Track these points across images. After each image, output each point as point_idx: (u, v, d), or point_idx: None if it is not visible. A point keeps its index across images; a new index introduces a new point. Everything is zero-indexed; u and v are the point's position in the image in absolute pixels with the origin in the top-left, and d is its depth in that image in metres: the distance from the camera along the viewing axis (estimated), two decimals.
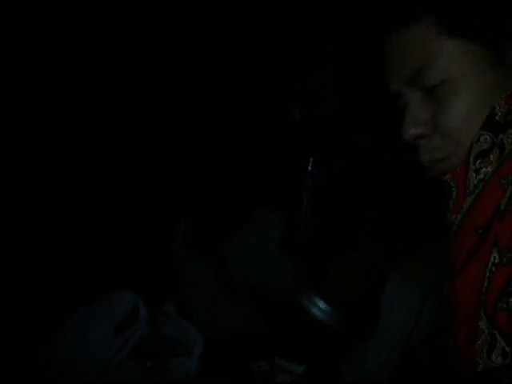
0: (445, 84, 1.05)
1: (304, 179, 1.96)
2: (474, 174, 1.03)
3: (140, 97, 2.36)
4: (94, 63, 2.29)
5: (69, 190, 2.27)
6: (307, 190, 1.96)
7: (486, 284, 0.98)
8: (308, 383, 2.00)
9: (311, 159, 1.94)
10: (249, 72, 2.14)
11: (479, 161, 1.03)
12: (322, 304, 1.76)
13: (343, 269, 1.79)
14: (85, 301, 2.00)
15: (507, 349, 0.96)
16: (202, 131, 2.32)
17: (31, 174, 2.20)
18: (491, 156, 1.02)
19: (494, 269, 0.97)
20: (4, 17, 2.05)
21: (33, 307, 2.03)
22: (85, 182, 2.31)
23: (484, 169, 1.02)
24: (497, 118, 1.02)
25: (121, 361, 1.93)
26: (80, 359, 1.92)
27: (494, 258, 0.97)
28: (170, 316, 2.16)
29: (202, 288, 2.14)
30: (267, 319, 2.15)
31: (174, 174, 2.42)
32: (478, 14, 1.04)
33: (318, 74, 1.84)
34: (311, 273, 1.89)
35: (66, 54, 2.23)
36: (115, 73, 2.32)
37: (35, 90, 2.18)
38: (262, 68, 2.07)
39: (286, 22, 1.92)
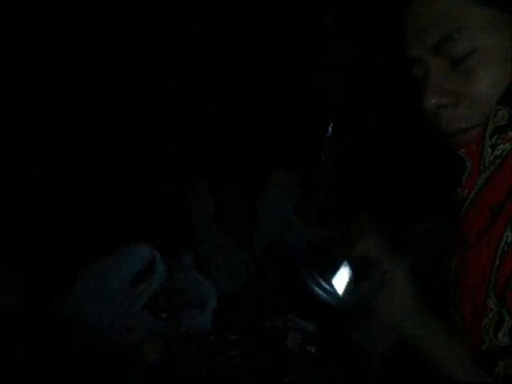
0: (474, 53, 1.04)
1: (322, 144, 1.95)
2: (490, 150, 1.01)
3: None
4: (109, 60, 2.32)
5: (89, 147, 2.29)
6: (324, 156, 1.96)
7: (497, 263, 0.98)
8: (319, 341, 2.03)
9: (330, 125, 1.94)
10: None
11: (496, 137, 1.01)
12: (326, 285, 1.77)
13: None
14: (102, 253, 2.03)
15: None
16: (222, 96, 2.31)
17: (56, 148, 2.23)
18: (509, 133, 1.00)
19: (506, 248, 0.97)
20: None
21: (50, 259, 2.07)
22: (105, 135, 2.32)
23: (502, 145, 1.00)
24: None
25: (136, 312, 1.96)
26: (94, 310, 1.96)
27: (507, 237, 0.97)
28: (186, 269, 2.19)
29: (218, 245, 2.17)
30: (279, 278, 2.17)
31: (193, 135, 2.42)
32: None
33: (338, 46, 1.83)
34: (320, 245, 1.90)
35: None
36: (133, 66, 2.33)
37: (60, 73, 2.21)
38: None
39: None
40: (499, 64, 1.02)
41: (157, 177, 2.41)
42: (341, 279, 1.79)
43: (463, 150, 1.06)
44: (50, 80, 2.25)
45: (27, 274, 1.80)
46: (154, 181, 2.40)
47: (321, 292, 1.76)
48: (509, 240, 0.97)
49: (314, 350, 2.00)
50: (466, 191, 1.06)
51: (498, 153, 1.01)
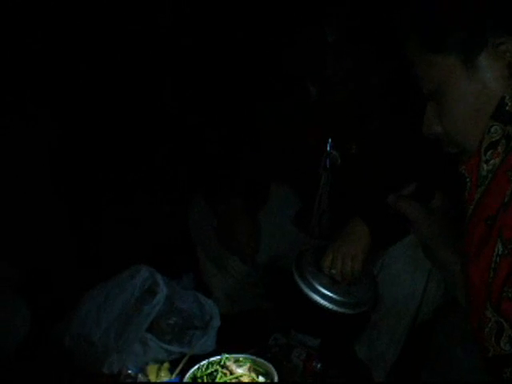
0: (437, 91, 1.12)
1: (322, 159, 1.97)
2: (485, 165, 1.05)
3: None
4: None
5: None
6: (324, 170, 1.98)
7: (491, 274, 1.00)
8: (323, 356, 2.03)
9: (329, 140, 1.96)
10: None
11: (490, 152, 1.05)
12: (321, 288, 1.79)
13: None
14: (103, 276, 2.04)
15: None
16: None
17: (63, 152, 2.25)
18: (499, 147, 1.04)
19: (498, 259, 0.99)
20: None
21: (55, 282, 2.07)
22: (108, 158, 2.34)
23: (493, 160, 1.04)
24: (507, 108, 1.04)
25: (140, 335, 1.96)
26: (97, 333, 1.96)
27: (498, 249, 0.99)
28: (187, 289, 2.19)
29: (218, 263, 2.17)
30: (282, 294, 2.17)
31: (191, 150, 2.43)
32: (451, 33, 1.09)
33: (338, 62, 1.85)
34: (314, 252, 1.91)
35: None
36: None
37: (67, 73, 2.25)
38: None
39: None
40: (462, 96, 1.09)
41: (155, 199, 2.42)
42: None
43: (463, 166, 1.10)
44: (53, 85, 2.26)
45: (30, 296, 1.80)
46: (152, 203, 2.41)
47: (315, 295, 1.78)
48: (500, 252, 0.99)
49: (319, 365, 2.00)
50: (469, 206, 1.08)
51: (489, 167, 1.05)
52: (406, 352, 1.87)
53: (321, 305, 1.78)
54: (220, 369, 1.76)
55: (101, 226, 2.32)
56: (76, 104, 2.36)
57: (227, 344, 2.05)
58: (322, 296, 1.78)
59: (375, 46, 1.85)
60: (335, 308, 1.77)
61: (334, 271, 1.80)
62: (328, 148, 1.98)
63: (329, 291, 1.78)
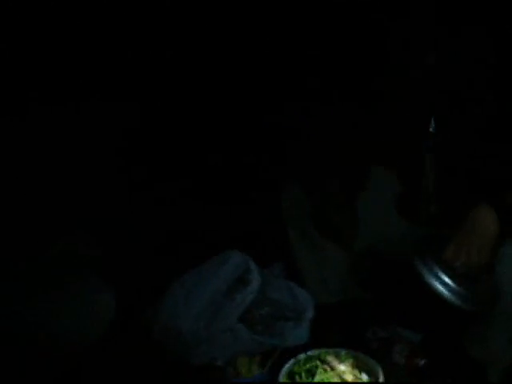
0: None
1: (425, 140, 1.81)
2: None
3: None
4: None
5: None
6: (428, 151, 1.82)
7: None
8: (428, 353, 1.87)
9: (433, 119, 1.79)
10: None
11: None
12: (447, 279, 1.62)
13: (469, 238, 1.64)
14: (194, 263, 1.93)
15: None
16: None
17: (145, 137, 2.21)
18: None
19: None
20: None
21: (145, 268, 1.98)
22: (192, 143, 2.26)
23: None
24: None
25: (231, 325, 1.84)
26: (187, 323, 1.85)
27: None
28: (279, 279, 2.07)
29: (314, 250, 2.03)
30: (382, 283, 2.02)
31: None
32: None
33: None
34: (432, 240, 1.74)
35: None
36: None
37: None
38: None
39: None
40: None
41: (245, 183, 2.31)
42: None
43: None
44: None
45: (119, 283, 1.70)
46: (245, 190, 2.30)
47: (441, 287, 1.62)
48: None
49: (422, 362, 1.84)
50: None
51: None
52: None
53: (445, 297, 1.61)
54: (320, 364, 1.62)
55: (187, 211, 2.22)
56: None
57: (322, 337, 1.93)
58: (448, 288, 1.61)
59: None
60: (458, 302, 1.61)
61: (458, 263, 1.62)
62: (431, 127, 1.81)
63: (455, 283, 1.61)
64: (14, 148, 1.82)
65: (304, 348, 1.76)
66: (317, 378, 1.57)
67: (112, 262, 1.81)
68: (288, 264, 2.15)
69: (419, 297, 1.75)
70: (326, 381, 1.56)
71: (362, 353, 1.67)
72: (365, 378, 1.60)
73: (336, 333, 1.98)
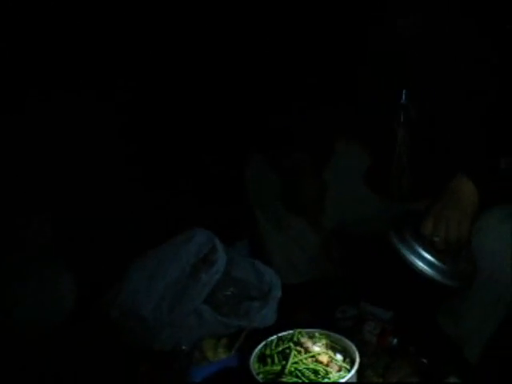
0: None
1: (396, 113, 1.73)
2: None
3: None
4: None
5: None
6: (399, 125, 1.74)
7: None
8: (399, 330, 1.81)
9: (404, 91, 1.72)
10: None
11: None
12: (426, 254, 1.55)
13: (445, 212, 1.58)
14: (155, 240, 1.82)
15: None
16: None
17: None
18: None
19: None
20: None
21: (102, 250, 1.87)
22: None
23: None
24: None
25: (195, 307, 1.75)
26: (149, 306, 1.75)
27: None
28: (244, 257, 1.97)
29: (280, 228, 1.94)
30: (352, 261, 1.95)
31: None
32: None
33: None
34: (407, 215, 1.67)
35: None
36: None
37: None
38: None
39: None
40: None
41: (208, 157, 2.21)
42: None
43: None
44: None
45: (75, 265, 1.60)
46: (204, 162, 2.21)
47: (420, 263, 1.55)
48: None
49: (395, 341, 1.78)
50: None
51: None
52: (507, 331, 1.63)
53: (425, 273, 1.54)
54: (293, 346, 1.54)
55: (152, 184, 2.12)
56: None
57: (289, 317, 1.85)
58: (427, 263, 1.54)
59: None
60: (439, 278, 1.54)
61: (436, 238, 1.55)
62: (402, 99, 1.74)
63: (435, 258, 1.54)
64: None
65: (271, 329, 1.69)
66: (291, 361, 1.48)
67: (72, 246, 1.70)
68: (252, 242, 2.06)
69: (392, 273, 1.69)
70: (301, 364, 1.47)
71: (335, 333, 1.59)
72: (339, 358, 1.53)
73: (304, 313, 1.90)
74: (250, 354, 1.56)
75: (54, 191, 1.85)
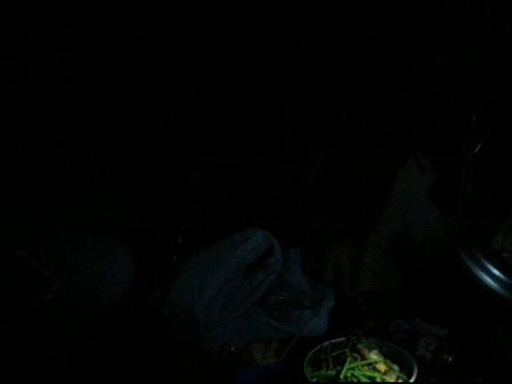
0: None
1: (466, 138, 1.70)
2: None
3: None
4: None
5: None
6: (467, 151, 1.71)
7: None
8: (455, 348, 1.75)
9: (474, 116, 1.68)
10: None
11: None
12: (495, 271, 1.51)
13: None
14: (212, 238, 1.80)
15: None
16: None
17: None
18: None
19: None
20: None
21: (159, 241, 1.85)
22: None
23: None
24: None
25: (247, 309, 1.71)
26: (200, 304, 1.72)
27: None
28: (298, 264, 1.93)
29: None
30: (409, 276, 1.90)
31: None
32: None
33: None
34: (475, 233, 1.63)
35: None
36: None
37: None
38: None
39: None
40: None
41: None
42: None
43: None
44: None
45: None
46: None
47: (488, 279, 1.50)
48: None
49: (450, 358, 1.72)
50: None
51: None
52: None
53: (494, 290, 1.50)
54: (349, 352, 1.49)
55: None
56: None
57: (340, 327, 1.81)
58: (496, 280, 1.50)
59: None
60: (507, 295, 1.50)
61: (506, 254, 1.51)
62: (472, 125, 1.71)
63: (504, 275, 1.50)
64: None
65: (321, 339, 1.65)
66: (346, 367, 1.44)
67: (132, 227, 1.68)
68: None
69: (455, 290, 1.64)
70: (357, 370, 1.43)
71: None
72: (396, 368, 1.48)
73: (356, 325, 1.85)
74: (302, 359, 1.52)
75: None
